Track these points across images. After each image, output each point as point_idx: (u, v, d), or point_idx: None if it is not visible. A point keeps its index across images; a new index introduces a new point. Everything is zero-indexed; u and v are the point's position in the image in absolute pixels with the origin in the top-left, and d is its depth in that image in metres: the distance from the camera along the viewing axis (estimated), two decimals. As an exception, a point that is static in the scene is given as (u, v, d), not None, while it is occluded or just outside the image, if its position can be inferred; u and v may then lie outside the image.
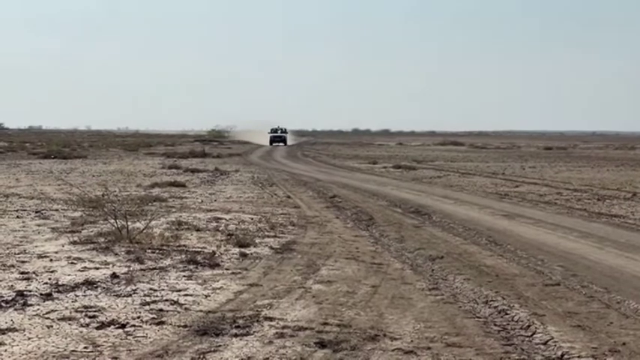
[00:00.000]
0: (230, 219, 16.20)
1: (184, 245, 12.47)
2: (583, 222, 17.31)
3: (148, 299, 8.72)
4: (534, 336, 7.55)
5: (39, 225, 14.73)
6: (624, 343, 7.28)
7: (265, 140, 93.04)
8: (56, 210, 17.42)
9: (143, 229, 13.04)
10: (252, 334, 7.40)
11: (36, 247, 12.14)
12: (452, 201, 22.19)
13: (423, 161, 50.04)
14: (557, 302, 8.99)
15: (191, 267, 10.64)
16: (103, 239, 12.58)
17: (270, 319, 7.96)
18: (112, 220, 13.18)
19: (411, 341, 7.28)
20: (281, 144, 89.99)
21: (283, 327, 7.66)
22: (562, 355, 6.94)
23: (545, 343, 7.29)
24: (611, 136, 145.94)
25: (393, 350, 7.00)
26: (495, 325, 7.97)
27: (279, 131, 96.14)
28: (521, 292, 9.55)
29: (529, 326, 7.87)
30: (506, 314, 8.38)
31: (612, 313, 8.47)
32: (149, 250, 11.76)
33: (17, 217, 16.04)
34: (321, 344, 7.10)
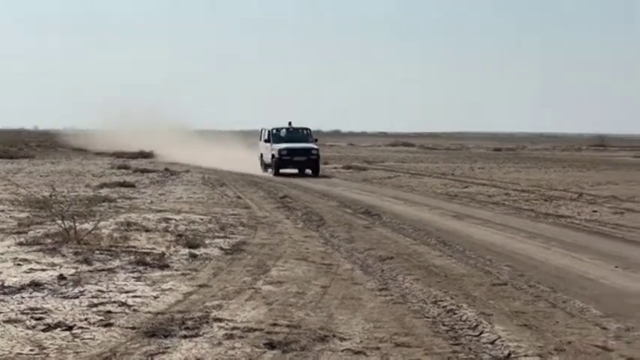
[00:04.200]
0: (180, 219, 16.10)
1: (133, 246, 12.36)
2: (530, 222, 17.54)
3: (95, 301, 8.62)
4: (482, 335, 7.61)
5: (-16, 226, 14.49)
6: (570, 342, 7.37)
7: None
8: (2, 211, 17.15)
9: (91, 230, 12.91)
10: (201, 336, 7.36)
11: (-19, 248, 11.93)
12: (402, 202, 22.34)
13: (374, 162, 50.26)
14: (505, 302, 9.08)
15: (140, 268, 10.54)
16: (50, 240, 12.42)
17: (220, 320, 7.93)
18: (60, 221, 13.03)
19: (361, 341, 7.30)
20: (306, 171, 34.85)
21: (233, 328, 7.63)
22: (509, 354, 7.00)
23: (492, 343, 7.36)
24: (558, 138, 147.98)
25: (342, 351, 7.00)
26: (444, 324, 8.03)
27: (293, 137, 35.85)
28: (470, 291, 9.63)
29: (477, 326, 7.93)
30: (455, 314, 8.44)
31: (558, 313, 8.58)
32: (97, 251, 11.63)
33: (-38, 217, 15.76)
34: (271, 345, 7.09)
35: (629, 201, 22.88)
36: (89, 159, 46.26)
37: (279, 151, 33.92)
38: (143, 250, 11.93)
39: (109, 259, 11.12)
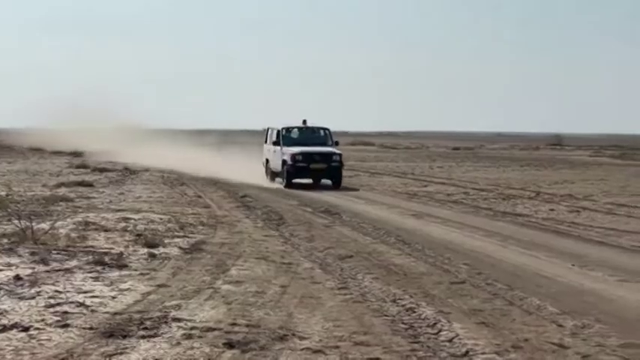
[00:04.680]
0: (139, 219, 15.97)
1: (91, 246, 12.23)
2: (489, 221, 17.68)
3: (52, 301, 8.52)
4: (440, 333, 7.66)
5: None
6: (527, 340, 7.45)
7: None
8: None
9: (48, 230, 12.78)
10: (159, 336, 7.32)
11: None
12: (362, 201, 22.40)
13: (334, 161, 50.19)
14: (463, 300, 9.15)
15: (98, 268, 10.44)
16: (6, 240, 12.25)
17: (179, 320, 7.88)
18: (16, 221, 12.86)
19: (320, 340, 7.30)
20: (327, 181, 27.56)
21: (192, 328, 7.59)
22: (467, 352, 7.05)
23: (450, 341, 7.40)
24: (516, 137, 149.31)
25: (301, 350, 7.00)
26: (403, 323, 8.05)
27: (308, 138, 28.86)
28: (428, 290, 9.68)
29: (435, 324, 7.97)
30: (414, 312, 8.48)
31: (515, 310, 8.66)
32: (54, 252, 11.50)
33: None
34: (230, 345, 7.06)
35: (585, 199, 23.19)
36: (46, 158, 45.66)
37: (293, 156, 26.50)
38: (101, 250, 11.82)
39: (67, 259, 10.99)
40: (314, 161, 26.75)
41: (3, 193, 17.70)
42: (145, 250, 12.03)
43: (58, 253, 11.39)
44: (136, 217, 16.37)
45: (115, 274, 10.16)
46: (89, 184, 24.68)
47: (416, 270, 11.10)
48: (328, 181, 27.09)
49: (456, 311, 8.55)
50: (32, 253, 11.26)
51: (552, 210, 20.08)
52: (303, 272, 10.75)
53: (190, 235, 13.91)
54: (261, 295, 9.17)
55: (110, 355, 6.71)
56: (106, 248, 12.07)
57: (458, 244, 13.84)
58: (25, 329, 7.40)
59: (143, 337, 7.26)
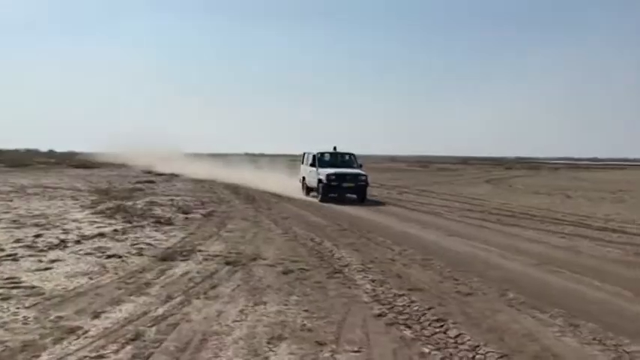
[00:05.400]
0: (179, 200, 15.86)
1: (154, 214, 12.18)
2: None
3: (134, 242, 8.54)
4: (334, 255, 7.87)
5: (74, 203, 13.93)
6: (376, 257, 7.77)
7: None
8: (82, 195, 16.49)
9: (132, 205, 12.62)
10: (191, 259, 7.38)
11: (70, 214, 11.54)
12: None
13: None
14: (346, 239, 9.35)
15: (157, 225, 10.44)
16: (108, 211, 12.11)
17: (201, 251, 7.95)
18: (114, 201, 12.66)
19: (273, 260, 7.46)
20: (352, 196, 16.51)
21: (207, 255, 7.67)
22: (347, 264, 7.30)
23: (339, 259, 7.64)
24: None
25: (264, 265, 7.17)
26: (315, 250, 8.24)
27: (338, 161, 18.20)
28: (328, 234, 9.87)
29: (331, 250, 8.19)
30: (321, 245, 8.66)
31: (370, 244, 8.93)
32: (135, 217, 11.44)
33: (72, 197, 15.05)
34: (227, 263, 7.18)
35: (406, 187, 23.73)
36: (121, 168, 43.99)
37: (328, 176, 17.71)
38: (159, 216, 11.76)
39: (141, 221, 10.91)
40: (345, 180, 18.00)
41: (106, 187, 17.34)
42: (182, 215, 12.02)
43: (137, 218, 11.34)
44: (177, 198, 16.23)
45: (166, 228, 10.15)
46: (152, 182, 24.23)
47: (322, 224, 11.22)
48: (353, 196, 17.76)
49: (341, 244, 8.75)
50: (123, 218, 11.20)
51: (389, 192, 20.51)
52: (265, 226, 10.80)
53: (207, 208, 13.86)
54: (243, 238, 9.22)
55: (164, 270, 6.80)
56: (161, 215, 12.05)
57: (342, 211, 14.03)
58: (120, 257, 7.43)
59: (182, 260, 7.32)
